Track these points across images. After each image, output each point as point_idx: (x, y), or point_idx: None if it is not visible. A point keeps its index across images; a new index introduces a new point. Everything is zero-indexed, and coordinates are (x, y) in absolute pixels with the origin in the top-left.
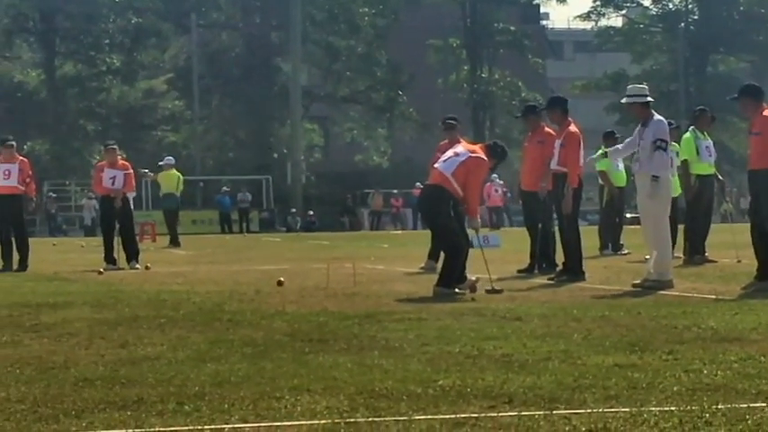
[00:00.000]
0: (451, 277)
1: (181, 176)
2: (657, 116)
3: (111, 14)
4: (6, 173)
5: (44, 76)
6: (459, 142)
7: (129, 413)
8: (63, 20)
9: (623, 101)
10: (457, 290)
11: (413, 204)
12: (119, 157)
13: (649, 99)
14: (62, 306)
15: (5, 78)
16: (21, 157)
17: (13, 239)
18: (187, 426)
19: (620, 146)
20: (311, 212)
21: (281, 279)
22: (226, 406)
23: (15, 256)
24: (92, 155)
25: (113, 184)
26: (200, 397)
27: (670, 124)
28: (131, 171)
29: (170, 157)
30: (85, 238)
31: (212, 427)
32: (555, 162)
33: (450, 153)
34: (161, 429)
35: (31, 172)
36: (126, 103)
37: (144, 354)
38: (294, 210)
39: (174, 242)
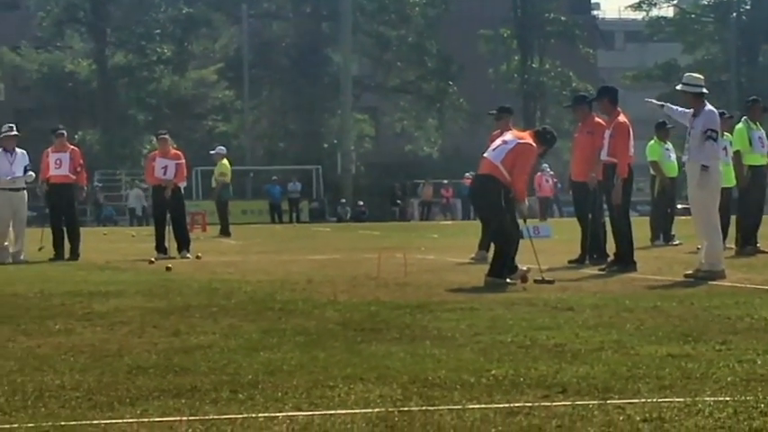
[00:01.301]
0: (502, 267)
1: (229, 164)
2: (709, 106)
3: (162, 4)
4: (58, 162)
5: (95, 66)
6: (509, 131)
7: (183, 401)
8: (114, 10)
9: (678, 87)
10: (508, 280)
11: (462, 195)
12: (171, 146)
13: (704, 91)
14: (114, 295)
15: (57, 68)
16: (72, 147)
17: (64, 228)
18: (241, 414)
19: (679, 108)
20: (361, 202)
21: (170, 266)
22: (279, 394)
23: (67, 246)
24: (142, 144)
25: (165, 173)
26: (254, 385)
27: (722, 114)
28: (183, 161)
29: (221, 147)
30: (136, 227)
31: (266, 415)
32: (605, 152)
33: (498, 141)
34: (215, 417)
35: (82, 161)
36: (176, 92)
37: (197, 342)
38: (344, 200)
39: (225, 232)
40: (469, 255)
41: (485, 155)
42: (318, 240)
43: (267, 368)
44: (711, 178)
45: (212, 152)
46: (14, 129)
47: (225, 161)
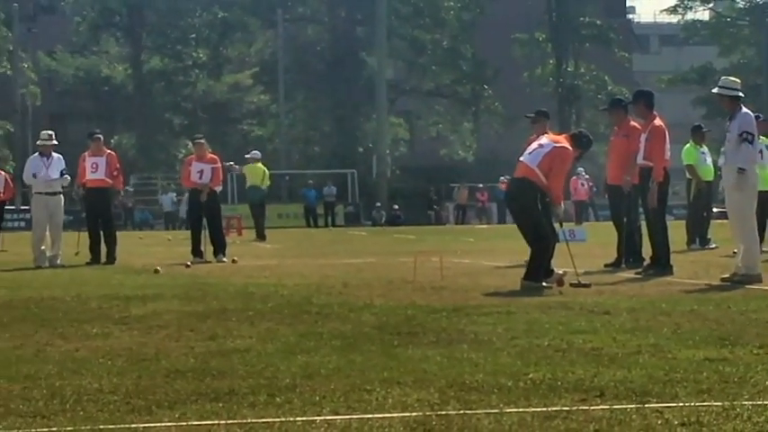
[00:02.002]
0: (539, 271)
1: (267, 170)
2: (744, 109)
3: (197, 9)
4: (94, 166)
5: (131, 71)
6: (545, 135)
7: (221, 405)
8: (150, 14)
9: (714, 90)
10: (544, 283)
11: (498, 198)
12: (207, 150)
13: (740, 94)
14: (151, 298)
15: (93, 73)
16: (108, 151)
17: (101, 232)
18: (279, 417)
19: None
20: (396, 206)
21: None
22: (317, 398)
23: (103, 249)
24: (177, 149)
25: (200, 177)
26: (292, 389)
27: (758, 118)
28: (219, 165)
29: (256, 151)
30: (171, 231)
31: (304, 418)
32: (641, 156)
33: (534, 145)
34: (253, 421)
35: (118, 165)
36: (212, 97)
37: (234, 346)
38: (379, 204)
39: (260, 236)
40: (506, 258)
41: (521, 158)
42: (354, 244)
43: (304, 372)
44: (748, 181)
45: (247, 156)
46: (53, 138)
47: (257, 165)
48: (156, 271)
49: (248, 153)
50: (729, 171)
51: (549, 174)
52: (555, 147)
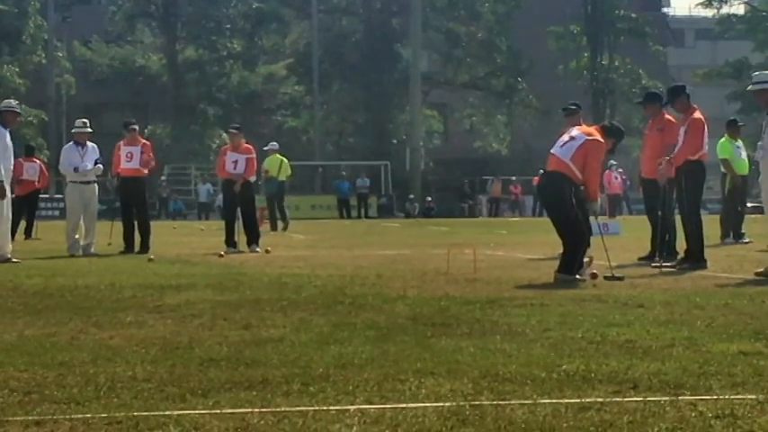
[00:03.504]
0: (574, 264)
1: (285, 161)
2: None
3: None
4: (129, 155)
5: (165, 61)
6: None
7: (254, 393)
8: (185, 5)
9: (750, 88)
10: (578, 276)
11: (532, 191)
12: (243, 141)
13: None
14: (185, 288)
15: (128, 62)
16: (144, 141)
17: (135, 222)
18: (312, 406)
19: None
20: (429, 198)
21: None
22: (350, 387)
23: (137, 239)
24: (212, 139)
25: (235, 168)
26: (325, 378)
27: None
28: (254, 155)
29: (274, 143)
30: (205, 221)
31: (338, 407)
32: (677, 151)
33: (565, 138)
34: (287, 409)
35: (151, 154)
36: (246, 87)
37: (267, 335)
38: (412, 196)
39: (273, 227)
40: (541, 251)
41: (552, 151)
42: (387, 236)
43: (338, 361)
44: None
45: (265, 148)
46: (87, 125)
47: (276, 156)
48: (221, 255)
49: (266, 145)
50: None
51: (585, 169)
52: (588, 140)
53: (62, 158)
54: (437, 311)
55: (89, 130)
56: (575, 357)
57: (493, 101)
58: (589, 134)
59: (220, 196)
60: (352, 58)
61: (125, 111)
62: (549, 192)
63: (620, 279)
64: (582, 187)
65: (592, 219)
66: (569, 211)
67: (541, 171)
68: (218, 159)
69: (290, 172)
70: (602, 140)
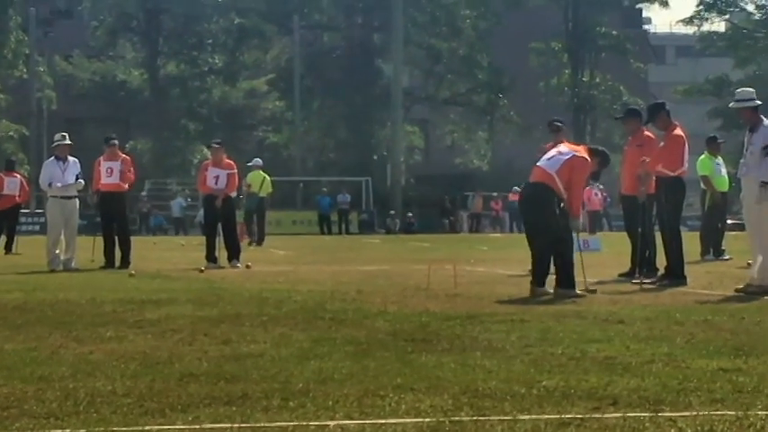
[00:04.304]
0: (570, 277)
1: (267, 178)
2: (767, 121)
3: (214, 15)
4: (109, 170)
5: (147, 76)
6: (563, 143)
7: (234, 408)
8: (166, 20)
9: (732, 105)
10: (578, 291)
11: (512, 208)
12: (225, 156)
13: (758, 102)
14: (165, 303)
15: (109, 77)
16: (124, 156)
17: (115, 237)
18: (292, 422)
19: None
20: (410, 214)
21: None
22: (330, 403)
23: (117, 254)
24: (193, 154)
25: (216, 183)
26: (305, 394)
27: None
28: (235, 171)
29: (258, 159)
30: (183, 237)
31: (317, 423)
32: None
33: (553, 152)
34: (266, 425)
35: (132, 168)
36: (227, 103)
37: (247, 351)
38: (393, 211)
39: (254, 241)
40: (520, 267)
41: (538, 164)
42: (368, 251)
43: (318, 377)
44: None
45: (249, 164)
46: (67, 138)
47: (259, 172)
48: (202, 271)
49: (250, 161)
50: (751, 183)
51: (569, 184)
52: (575, 156)
53: (43, 173)
54: (417, 327)
55: (68, 142)
56: (554, 373)
57: (474, 117)
58: (577, 151)
59: (201, 212)
60: (334, 74)
61: (106, 125)
62: (532, 201)
63: (592, 292)
64: (562, 204)
65: (573, 235)
66: (553, 221)
67: (516, 188)
68: (199, 174)
69: (271, 189)
70: (589, 159)
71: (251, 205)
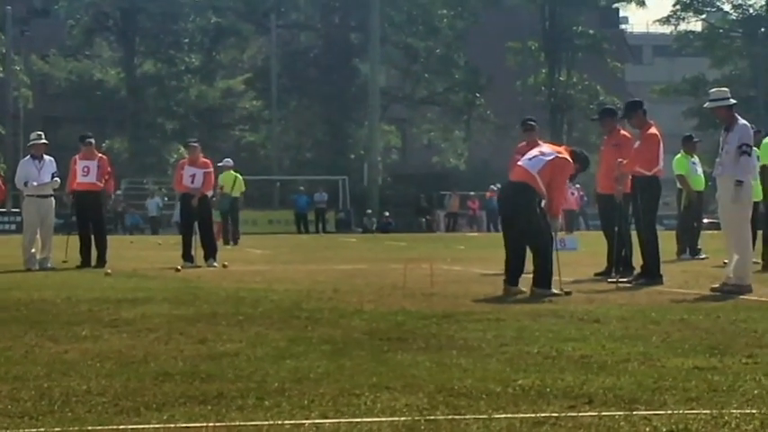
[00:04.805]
0: (548, 276)
1: (239, 177)
2: (742, 120)
3: (191, 14)
4: (85, 169)
5: (123, 75)
6: (537, 144)
7: (209, 407)
8: (143, 19)
9: (706, 105)
10: (555, 291)
11: (489, 207)
12: (201, 155)
13: (733, 101)
14: (141, 302)
15: (85, 77)
16: (100, 155)
17: (91, 236)
18: (267, 421)
19: None
20: (387, 213)
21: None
22: (306, 402)
23: (94, 253)
24: (170, 153)
25: (192, 182)
26: (280, 393)
27: (751, 129)
28: (211, 170)
29: (228, 159)
30: (160, 236)
31: (292, 422)
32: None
33: (535, 152)
34: (242, 424)
35: (110, 169)
36: (204, 102)
37: (223, 350)
38: (370, 211)
39: (227, 241)
40: (496, 266)
41: (519, 163)
42: (345, 251)
43: (294, 376)
44: (745, 193)
45: (220, 164)
46: (42, 137)
47: (231, 172)
48: (178, 270)
49: (221, 161)
50: (726, 182)
51: (551, 185)
52: (558, 157)
53: (18, 172)
54: (393, 326)
55: (44, 141)
56: (530, 372)
57: (451, 116)
58: (559, 152)
59: (176, 211)
60: (311, 73)
61: (83, 125)
62: (512, 199)
63: (567, 294)
64: (543, 203)
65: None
66: (536, 219)
67: (493, 186)
68: (175, 173)
69: (243, 188)
70: (570, 161)
71: (224, 206)
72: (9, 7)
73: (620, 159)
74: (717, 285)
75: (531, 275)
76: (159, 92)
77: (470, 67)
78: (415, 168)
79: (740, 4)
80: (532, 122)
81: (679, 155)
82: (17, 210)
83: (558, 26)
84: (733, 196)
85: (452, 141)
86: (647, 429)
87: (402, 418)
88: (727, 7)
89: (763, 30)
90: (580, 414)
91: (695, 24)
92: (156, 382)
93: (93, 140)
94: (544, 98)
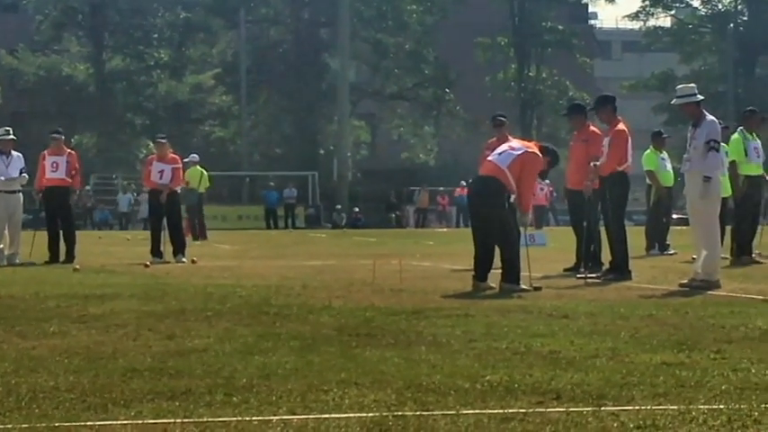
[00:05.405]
0: (516, 272)
1: (205, 173)
2: (710, 116)
3: (160, 9)
4: (54, 165)
5: (92, 70)
6: (507, 140)
7: (177, 403)
8: (112, 14)
9: (674, 102)
10: (523, 286)
11: (458, 202)
12: (169, 150)
13: (700, 97)
14: (109, 298)
15: (54, 72)
16: (69, 150)
17: (60, 231)
18: (235, 417)
19: None
20: (357, 209)
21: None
22: (274, 398)
23: (62, 248)
24: (139, 149)
25: (161, 178)
26: (249, 389)
27: (720, 125)
28: (180, 165)
29: (194, 155)
30: (129, 231)
31: (260, 418)
32: (602, 160)
33: (505, 147)
34: (210, 420)
35: (78, 165)
36: (174, 97)
37: (191, 346)
38: (340, 206)
39: (196, 237)
40: (465, 262)
41: (489, 158)
42: (314, 246)
43: (262, 372)
44: (713, 188)
45: (186, 160)
46: (11, 132)
47: (193, 168)
48: (147, 265)
49: (187, 157)
50: (694, 178)
51: (520, 180)
52: (527, 152)
53: None
54: (362, 322)
55: (12, 137)
56: (499, 368)
57: (420, 112)
58: (529, 147)
59: (143, 206)
60: (280, 69)
61: (51, 120)
62: (482, 194)
63: (537, 289)
64: (513, 198)
65: (521, 229)
66: (504, 215)
67: (463, 183)
68: (144, 169)
69: (208, 184)
70: (540, 156)
71: (191, 201)
72: None
73: (594, 162)
74: (685, 281)
75: (500, 271)
76: (128, 87)
77: (440, 62)
78: (384, 164)
79: (709, 0)
80: (502, 118)
81: (648, 150)
82: None
83: (528, 22)
84: (701, 192)
85: (422, 137)
86: (615, 425)
87: (370, 414)
88: (696, 3)
89: (731, 25)
90: (548, 410)
91: (664, 20)
92: (125, 379)
93: (63, 136)
94: (514, 94)
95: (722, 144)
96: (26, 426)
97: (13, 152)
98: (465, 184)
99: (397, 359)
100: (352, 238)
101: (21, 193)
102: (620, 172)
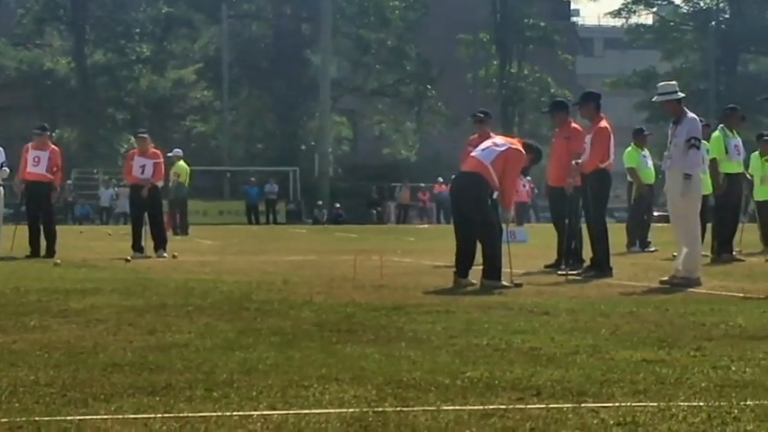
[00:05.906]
0: (497, 268)
1: (187, 167)
2: (691, 114)
3: (142, 3)
4: (36, 159)
5: (74, 65)
6: (489, 136)
7: (157, 398)
8: (94, 8)
9: (655, 99)
10: (505, 283)
11: (439, 198)
12: (151, 145)
13: (681, 95)
14: (90, 292)
15: (36, 66)
16: (52, 146)
17: (40, 226)
18: (215, 412)
19: None
20: (338, 205)
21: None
22: (254, 393)
23: (43, 243)
24: (120, 143)
25: (142, 173)
26: (229, 384)
27: (700, 122)
28: (161, 160)
29: (178, 149)
30: (109, 226)
31: (241, 413)
32: (585, 158)
33: (488, 143)
34: (190, 415)
35: (60, 162)
36: (155, 92)
37: (172, 341)
38: (321, 202)
39: (182, 230)
40: (446, 258)
41: (472, 154)
42: (295, 242)
43: (242, 367)
44: (694, 186)
45: (170, 154)
46: None
47: (181, 162)
48: (128, 260)
49: (170, 151)
50: (675, 176)
51: (503, 176)
52: (511, 148)
53: None
54: (343, 318)
55: None
56: (479, 364)
57: (402, 108)
58: (513, 144)
59: (121, 200)
60: (262, 64)
61: (32, 114)
62: (465, 190)
63: (518, 286)
64: (495, 194)
65: (503, 225)
66: (487, 211)
67: (440, 179)
68: (125, 164)
69: (189, 179)
70: (523, 152)
71: (180, 195)
72: None
73: (576, 161)
74: (666, 278)
75: (482, 267)
76: (110, 82)
77: (421, 58)
78: (365, 160)
79: None
80: (483, 115)
81: (629, 148)
82: None
83: (510, 18)
84: (682, 190)
85: (403, 133)
86: (595, 422)
87: (350, 410)
88: (678, 0)
89: (713, 23)
90: (528, 406)
91: (646, 17)
92: (105, 373)
93: (47, 132)
94: (495, 90)
95: (703, 141)
96: (6, 420)
97: None
98: (442, 180)
99: (378, 355)
100: (333, 233)
101: (2, 188)
102: (601, 169)
